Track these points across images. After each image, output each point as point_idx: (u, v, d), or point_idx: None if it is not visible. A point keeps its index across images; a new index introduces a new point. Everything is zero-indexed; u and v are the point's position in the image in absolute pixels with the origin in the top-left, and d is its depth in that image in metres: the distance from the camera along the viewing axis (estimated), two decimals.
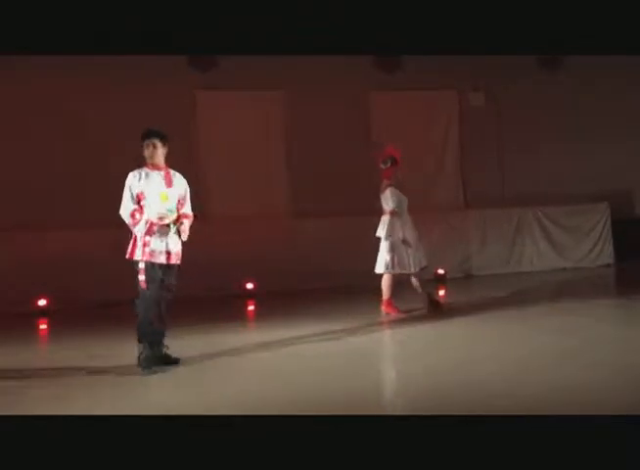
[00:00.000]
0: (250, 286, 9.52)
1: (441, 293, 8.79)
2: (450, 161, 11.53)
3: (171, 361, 5.40)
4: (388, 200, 7.36)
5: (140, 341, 5.32)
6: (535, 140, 11.33)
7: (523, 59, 10.80)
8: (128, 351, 5.40)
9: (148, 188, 5.34)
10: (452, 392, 4.32)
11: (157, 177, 5.40)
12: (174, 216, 5.35)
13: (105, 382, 5.05)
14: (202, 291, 8.95)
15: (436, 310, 7.40)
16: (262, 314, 8.54)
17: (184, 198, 5.53)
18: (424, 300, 7.50)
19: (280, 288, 9.38)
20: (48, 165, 9.56)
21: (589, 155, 11.38)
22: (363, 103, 10.94)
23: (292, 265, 9.61)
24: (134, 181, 5.37)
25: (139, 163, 5.48)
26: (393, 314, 7.32)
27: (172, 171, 5.53)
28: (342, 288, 9.39)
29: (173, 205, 5.38)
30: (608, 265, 11.11)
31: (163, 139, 5.46)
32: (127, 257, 5.33)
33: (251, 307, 8.95)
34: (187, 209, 5.54)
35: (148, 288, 5.25)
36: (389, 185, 7.42)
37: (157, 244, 5.29)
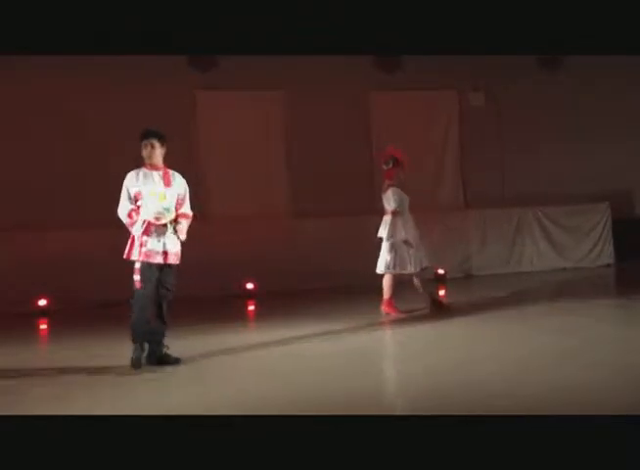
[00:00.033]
0: (250, 286, 9.52)
1: (441, 293, 8.78)
2: (450, 161, 11.53)
3: (172, 361, 5.40)
4: (389, 200, 7.37)
5: (134, 341, 5.34)
6: (535, 140, 11.33)
7: (523, 59, 10.79)
8: (128, 351, 5.39)
9: (145, 188, 5.35)
10: (452, 392, 4.32)
11: (155, 177, 5.41)
12: (172, 216, 5.36)
13: (105, 382, 5.04)
14: (202, 291, 8.94)
15: (439, 310, 7.39)
16: (262, 314, 8.54)
17: (183, 198, 5.52)
18: (426, 300, 7.50)
19: (280, 288, 9.38)
20: (48, 165, 9.56)
21: (589, 155, 11.38)
22: (363, 103, 10.94)
23: (292, 265, 9.61)
24: (132, 181, 5.38)
25: (138, 163, 5.49)
26: (393, 314, 7.32)
27: (171, 171, 5.53)
28: (342, 288, 9.39)
29: (170, 204, 5.38)
30: (608, 265, 11.11)
31: (162, 139, 5.46)
32: (124, 257, 5.35)
33: (251, 307, 8.95)
34: (186, 208, 5.54)
35: (142, 288, 5.27)
36: (391, 185, 7.42)
37: (154, 244, 5.29)
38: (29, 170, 9.45)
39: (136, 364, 5.28)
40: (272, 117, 10.69)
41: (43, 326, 8.10)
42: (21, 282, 8.72)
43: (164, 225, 5.32)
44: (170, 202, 5.38)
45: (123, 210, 5.35)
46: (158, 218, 5.28)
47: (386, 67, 10.86)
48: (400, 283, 7.50)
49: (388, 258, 7.29)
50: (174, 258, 5.41)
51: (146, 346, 5.39)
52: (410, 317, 7.20)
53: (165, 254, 5.33)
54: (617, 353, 5.21)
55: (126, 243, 5.38)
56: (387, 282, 7.36)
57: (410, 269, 7.30)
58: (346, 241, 9.73)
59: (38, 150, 9.56)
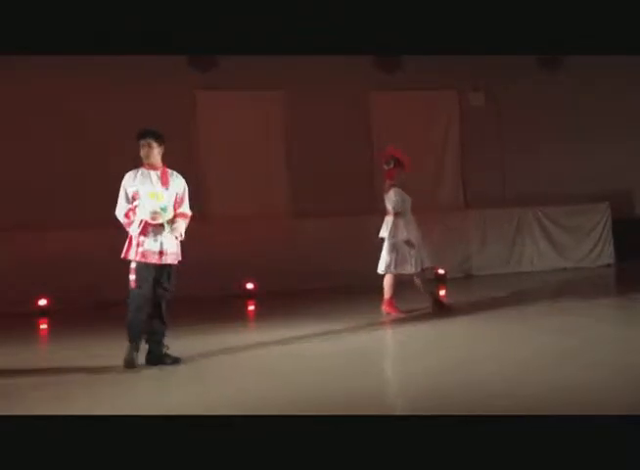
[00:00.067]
0: (250, 286, 9.51)
1: (442, 293, 8.78)
2: (450, 161, 11.53)
3: (172, 361, 5.40)
4: (391, 200, 7.37)
5: (130, 341, 5.34)
6: (535, 140, 11.32)
7: (523, 59, 10.78)
8: None
9: (143, 188, 5.36)
10: (452, 392, 4.32)
11: (153, 177, 5.42)
12: (169, 216, 5.36)
13: (105, 382, 5.05)
14: (202, 291, 8.94)
15: (441, 310, 7.39)
16: (262, 314, 8.54)
17: (182, 197, 5.52)
18: (428, 299, 7.50)
19: (280, 288, 9.37)
20: (48, 165, 9.56)
21: (589, 155, 11.38)
22: (363, 103, 10.94)
23: (292, 265, 9.61)
24: (129, 181, 5.41)
25: (138, 163, 5.50)
26: (394, 314, 7.32)
27: (170, 171, 5.53)
28: (342, 288, 9.39)
29: (167, 204, 5.38)
30: (608, 265, 11.10)
31: (159, 139, 5.46)
32: (122, 256, 5.37)
33: (251, 307, 8.95)
34: (184, 208, 5.54)
35: (138, 287, 5.29)
36: (393, 185, 7.43)
37: (150, 244, 5.30)
38: (29, 170, 9.44)
39: (129, 364, 5.29)
40: (272, 117, 10.69)
41: (43, 326, 8.10)
42: (21, 282, 8.72)
43: (162, 225, 5.33)
44: (168, 201, 5.39)
45: (121, 209, 5.38)
46: (154, 218, 5.29)
47: (386, 67, 10.86)
48: (401, 283, 7.51)
49: (389, 258, 7.29)
50: (172, 258, 5.41)
51: (141, 345, 5.40)
52: (410, 317, 7.20)
53: (162, 254, 5.33)
54: (617, 353, 5.21)
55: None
56: (387, 282, 7.36)
57: (410, 270, 7.30)
58: (346, 241, 9.73)
59: (38, 150, 9.56)
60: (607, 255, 11.19)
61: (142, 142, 5.43)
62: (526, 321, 6.78)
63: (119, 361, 5.37)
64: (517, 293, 8.71)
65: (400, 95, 10.99)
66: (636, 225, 11.38)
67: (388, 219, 7.41)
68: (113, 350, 5.59)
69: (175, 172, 5.56)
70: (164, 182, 5.43)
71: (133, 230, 5.32)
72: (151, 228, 5.31)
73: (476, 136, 11.30)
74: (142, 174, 5.41)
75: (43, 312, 8.57)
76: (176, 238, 5.40)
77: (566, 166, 11.28)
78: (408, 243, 7.25)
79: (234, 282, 9.35)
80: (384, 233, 7.40)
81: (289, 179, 10.72)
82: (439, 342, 6.10)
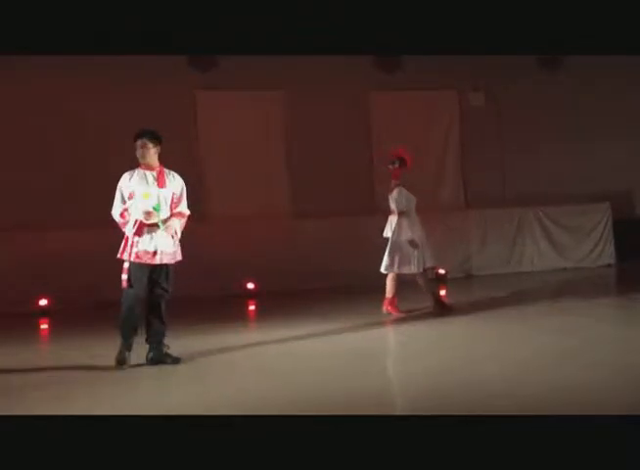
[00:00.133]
0: (250, 286, 9.51)
1: (442, 293, 8.78)
2: (451, 161, 11.52)
3: (172, 361, 5.40)
4: (395, 200, 7.37)
5: (123, 339, 5.35)
6: (535, 140, 11.32)
7: (523, 59, 10.78)
8: None
9: (138, 188, 5.37)
10: (452, 392, 4.32)
11: (149, 178, 5.42)
12: (164, 216, 5.36)
13: (105, 382, 5.05)
14: (202, 291, 8.94)
15: (442, 310, 7.38)
16: (263, 314, 8.54)
17: (179, 197, 5.52)
18: (430, 299, 7.50)
19: (280, 288, 9.37)
20: (48, 165, 9.55)
21: (589, 155, 11.38)
22: (363, 103, 10.93)
23: (292, 265, 9.60)
24: (125, 182, 5.42)
25: (136, 163, 5.50)
26: (395, 314, 7.32)
27: (167, 171, 5.53)
28: (342, 288, 9.39)
29: (162, 204, 5.37)
30: (609, 265, 11.09)
31: (155, 139, 5.46)
32: (118, 256, 5.38)
33: (251, 307, 8.95)
34: (182, 207, 5.54)
35: (130, 287, 5.30)
36: (398, 185, 7.42)
37: (145, 244, 5.31)
38: (29, 170, 9.44)
39: (120, 362, 5.30)
40: (272, 117, 10.69)
41: (43, 326, 8.10)
42: (21, 282, 8.72)
43: (157, 225, 5.33)
44: (162, 201, 5.38)
45: (116, 210, 5.41)
46: (147, 218, 5.29)
47: (386, 67, 10.85)
48: (403, 283, 7.50)
49: (391, 257, 7.29)
50: (169, 258, 5.41)
51: (133, 345, 5.41)
52: (410, 317, 7.20)
53: (156, 253, 5.32)
54: (617, 353, 5.21)
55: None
56: (389, 281, 7.37)
57: (412, 270, 7.29)
58: (346, 241, 9.72)
59: (38, 150, 9.56)
60: (607, 255, 11.18)
61: (138, 142, 5.44)
62: (527, 321, 6.78)
63: None
64: (517, 293, 8.71)
65: (400, 95, 10.98)
66: (636, 225, 11.37)
67: (392, 219, 7.41)
68: (113, 350, 5.58)
69: (173, 172, 5.56)
70: (161, 182, 5.43)
71: (128, 230, 5.33)
72: (146, 228, 5.32)
73: (476, 136, 11.30)
74: (138, 175, 5.43)
75: (43, 312, 8.57)
76: (172, 237, 5.40)
77: (566, 166, 11.27)
78: (412, 243, 7.24)
79: (234, 282, 9.35)
80: (387, 232, 7.40)
81: (289, 179, 10.72)
82: (440, 342, 6.09)
